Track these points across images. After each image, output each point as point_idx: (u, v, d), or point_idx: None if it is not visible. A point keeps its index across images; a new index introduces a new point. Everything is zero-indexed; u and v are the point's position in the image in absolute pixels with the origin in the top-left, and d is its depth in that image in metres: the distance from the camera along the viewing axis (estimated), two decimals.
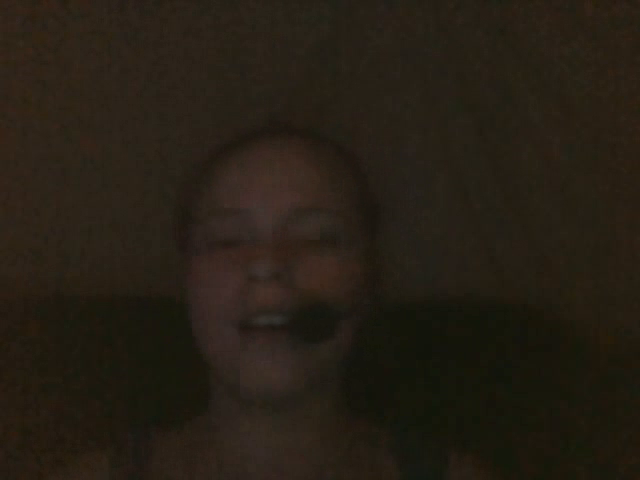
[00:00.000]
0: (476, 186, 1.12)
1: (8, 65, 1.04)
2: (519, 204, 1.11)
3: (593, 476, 1.07)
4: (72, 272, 1.10)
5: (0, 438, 1.02)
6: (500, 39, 1.06)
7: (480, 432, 1.05)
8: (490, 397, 1.09)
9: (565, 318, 1.12)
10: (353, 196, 0.79)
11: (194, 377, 0.93)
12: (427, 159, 1.13)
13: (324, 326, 0.73)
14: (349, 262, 0.76)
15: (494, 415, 1.08)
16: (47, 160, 1.07)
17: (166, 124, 1.08)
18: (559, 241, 1.11)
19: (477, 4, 1.06)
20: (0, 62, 1.03)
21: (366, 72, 1.10)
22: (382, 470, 0.81)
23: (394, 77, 1.10)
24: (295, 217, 0.75)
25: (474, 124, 1.10)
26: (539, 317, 1.13)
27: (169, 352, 1.08)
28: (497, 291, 1.14)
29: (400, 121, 1.11)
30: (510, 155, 1.10)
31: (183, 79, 1.07)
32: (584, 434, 1.09)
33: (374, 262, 0.82)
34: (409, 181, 1.12)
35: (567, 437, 1.09)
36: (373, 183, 0.84)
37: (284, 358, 0.73)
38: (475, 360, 1.11)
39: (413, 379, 1.09)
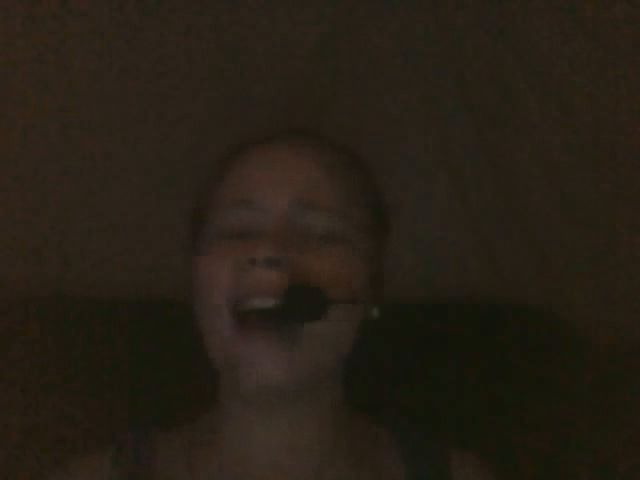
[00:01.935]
0: (476, 186, 1.12)
1: (8, 65, 1.03)
2: (519, 204, 1.11)
3: (593, 476, 1.07)
4: (72, 272, 1.10)
5: (0, 438, 1.03)
6: (500, 39, 1.06)
7: (480, 432, 1.05)
8: (490, 397, 1.09)
9: (565, 318, 1.12)
10: (359, 200, 0.81)
11: (194, 377, 0.93)
12: (427, 159, 1.13)
13: (312, 307, 0.74)
14: (347, 259, 0.78)
15: (494, 415, 1.09)
16: (47, 160, 1.07)
17: (166, 124, 1.08)
18: (559, 241, 1.10)
19: (477, 4, 1.05)
20: (0, 62, 1.03)
21: (366, 72, 1.10)
22: (384, 469, 0.81)
23: (394, 77, 1.10)
24: (297, 210, 0.77)
25: (474, 124, 1.10)
26: (539, 317, 1.13)
27: (169, 352, 1.08)
28: (497, 291, 1.14)
29: (400, 121, 1.11)
30: (510, 155, 1.10)
31: (183, 79, 1.07)
32: (584, 434, 1.09)
33: (376, 263, 0.83)
34: (409, 181, 1.13)
35: (567, 437, 1.09)
36: (382, 189, 0.86)
37: (278, 354, 0.73)
38: (475, 360, 1.11)
39: (413, 379, 1.09)
